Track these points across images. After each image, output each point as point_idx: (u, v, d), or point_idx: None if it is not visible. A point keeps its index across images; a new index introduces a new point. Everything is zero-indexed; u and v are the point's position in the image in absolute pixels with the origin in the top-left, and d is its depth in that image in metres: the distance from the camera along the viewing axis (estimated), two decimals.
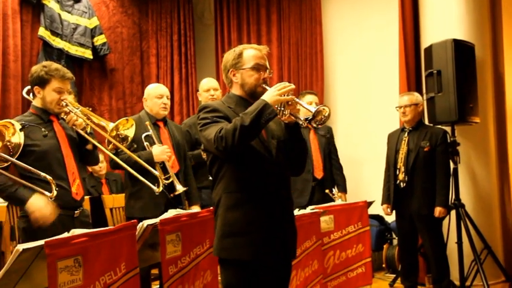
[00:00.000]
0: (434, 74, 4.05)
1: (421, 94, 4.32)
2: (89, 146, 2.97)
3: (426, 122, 4.28)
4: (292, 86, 2.03)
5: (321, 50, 5.62)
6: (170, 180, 3.40)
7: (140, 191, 3.35)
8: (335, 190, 4.44)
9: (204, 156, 3.50)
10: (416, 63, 4.84)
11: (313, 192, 4.45)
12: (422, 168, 3.99)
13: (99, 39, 5.61)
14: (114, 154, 3.06)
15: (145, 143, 3.38)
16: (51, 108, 2.79)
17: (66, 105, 2.80)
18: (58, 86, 2.77)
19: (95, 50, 5.56)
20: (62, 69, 2.80)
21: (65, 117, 2.83)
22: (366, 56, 5.53)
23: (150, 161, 3.33)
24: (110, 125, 3.08)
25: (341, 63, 5.71)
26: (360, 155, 5.53)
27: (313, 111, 1.99)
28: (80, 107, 2.89)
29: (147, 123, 3.45)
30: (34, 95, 2.81)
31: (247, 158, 2.08)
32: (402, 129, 4.23)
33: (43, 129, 2.73)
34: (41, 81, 2.75)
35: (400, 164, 4.08)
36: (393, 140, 4.23)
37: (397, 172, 4.10)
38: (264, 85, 2.16)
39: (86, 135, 2.86)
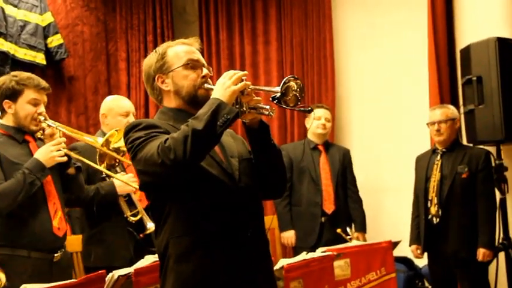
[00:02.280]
0: (474, 81, 4.03)
1: (457, 107, 4.37)
2: (71, 171, 3.05)
3: (464, 141, 4.32)
4: (244, 72, 2.01)
5: (331, 52, 5.64)
6: (138, 216, 3.43)
7: (102, 232, 3.39)
8: (350, 229, 4.51)
9: None
10: (450, 69, 4.88)
11: (322, 230, 4.51)
12: (460, 200, 4.03)
13: (54, 40, 5.56)
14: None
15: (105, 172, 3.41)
16: (26, 125, 2.87)
17: (45, 119, 2.88)
18: (33, 97, 2.84)
19: (48, 53, 5.54)
20: (35, 77, 2.87)
21: (41, 136, 2.92)
22: (387, 60, 5.57)
23: (112, 194, 3.37)
24: (99, 140, 3.21)
25: (356, 69, 5.73)
26: (381, 184, 5.54)
27: (280, 89, 1.93)
28: (58, 123, 3.00)
29: (93, 136, 3.47)
30: (3, 111, 2.89)
31: (200, 186, 2.03)
32: (434, 151, 4.27)
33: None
34: (12, 93, 2.81)
35: (432, 195, 4.11)
36: (423, 165, 4.27)
37: (429, 204, 4.13)
38: (206, 85, 2.14)
39: (73, 155, 2.99)
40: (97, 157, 3.26)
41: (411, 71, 5.37)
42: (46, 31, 5.46)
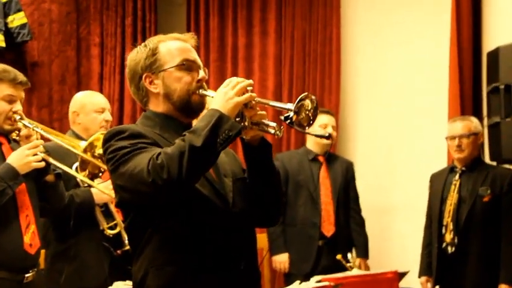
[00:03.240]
0: (501, 89, 3.99)
1: (480, 119, 4.39)
2: (49, 178, 3.08)
3: (486, 159, 4.33)
4: (249, 82, 2.02)
5: (337, 49, 5.63)
6: (117, 230, 3.46)
7: (73, 248, 3.40)
8: (351, 254, 4.46)
9: None
10: (474, 74, 4.89)
11: (320, 255, 4.52)
12: (481, 226, 4.02)
13: (16, 19, 5.48)
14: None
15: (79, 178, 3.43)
16: None
17: (21, 118, 2.90)
18: (8, 93, 2.87)
19: (8, 34, 5.47)
20: (11, 70, 2.90)
21: (17, 138, 2.96)
22: (402, 61, 5.56)
23: (89, 202, 3.40)
24: (81, 144, 3.26)
25: (365, 69, 5.72)
26: (388, 203, 5.53)
27: (293, 108, 1.95)
28: (40, 125, 3.07)
29: (75, 139, 3.50)
30: None
31: (188, 208, 2.04)
32: (451, 169, 4.28)
33: None
34: None
35: (448, 220, 4.11)
36: (438, 184, 4.29)
37: (443, 231, 4.13)
38: (201, 90, 2.16)
39: (51, 160, 3.02)
40: (78, 165, 3.27)
41: (429, 75, 5.38)
42: (6, 8, 5.39)
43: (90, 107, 3.67)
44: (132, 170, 1.93)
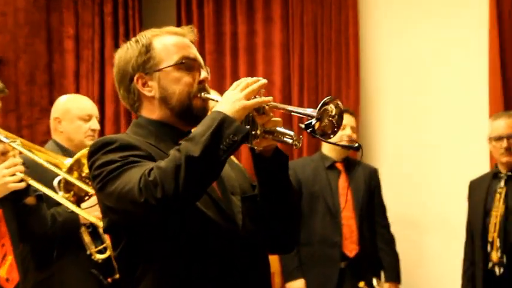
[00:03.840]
0: None
1: None
2: (30, 200, 3.13)
3: None
4: (263, 81, 2.05)
5: (354, 36, 5.59)
6: (107, 254, 3.48)
7: (56, 276, 3.41)
8: (377, 280, 4.49)
9: None
10: None
11: (342, 280, 4.46)
12: None
13: None
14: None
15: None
16: None
17: None
18: None
19: None
20: None
21: None
22: (432, 49, 5.48)
23: (73, 222, 3.41)
24: (66, 162, 3.28)
25: (389, 59, 5.67)
26: (421, 217, 5.49)
27: (315, 114, 1.96)
28: (19, 139, 3.13)
29: (60, 155, 3.48)
30: None
31: (190, 232, 2.06)
32: (495, 175, 4.27)
33: None
34: None
35: (494, 235, 4.09)
36: (480, 194, 4.27)
37: (489, 248, 4.10)
38: (204, 93, 2.18)
39: (31, 182, 3.06)
40: (61, 184, 3.30)
41: (464, 66, 5.36)
42: None
43: (74, 113, 3.70)
44: (122, 189, 1.94)
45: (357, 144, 2.07)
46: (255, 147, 2.09)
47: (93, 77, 6.10)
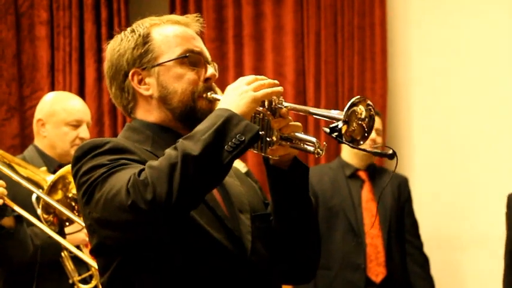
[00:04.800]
0: None
1: None
2: (7, 222, 3.19)
3: None
4: (274, 81, 2.05)
5: (382, 19, 5.63)
6: (92, 284, 3.50)
7: None
8: None
9: None
10: None
11: None
12: None
13: None
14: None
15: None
16: None
17: None
18: None
19: None
20: None
21: None
22: (475, 36, 5.51)
23: (53, 246, 3.43)
24: (48, 179, 3.29)
25: (422, 47, 5.68)
26: (458, 235, 5.50)
27: (342, 116, 1.95)
28: None
29: (43, 169, 3.51)
30: None
31: (191, 255, 2.06)
32: None
33: None
34: None
35: None
36: None
37: None
38: (210, 93, 2.20)
39: (8, 201, 3.10)
40: (37, 201, 3.32)
41: (509, 59, 5.38)
42: None
43: (60, 117, 3.75)
44: (108, 193, 1.94)
45: (391, 151, 2.03)
46: (270, 157, 2.10)
47: (71, 70, 6.10)
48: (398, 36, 5.78)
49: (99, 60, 6.11)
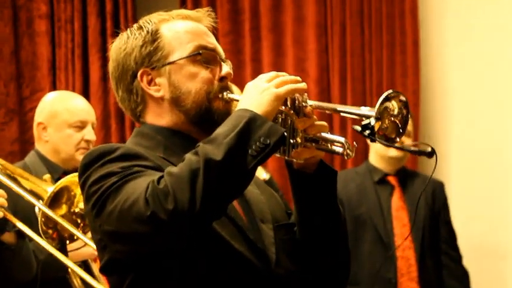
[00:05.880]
0: None
1: None
2: (8, 238, 3.22)
3: None
4: (296, 77, 2.06)
5: (412, 7, 5.63)
6: None
7: None
8: None
9: None
10: None
11: None
12: None
13: None
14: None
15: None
16: None
17: None
18: None
19: None
20: None
21: None
22: None
23: (58, 262, 3.36)
24: (50, 190, 3.29)
25: (459, 37, 5.69)
26: (502, 246, 5.50)
27: (373, 113, 1.97)
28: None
29: (46, 177, 3.49)
30: None
31: (213, 270, 2.07)
32: None
33: None
34: None
35: None
36: None
37: None
38: (227, 93, 2.21)
39: (10, 216, 3.13)
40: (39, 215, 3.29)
41: None
42: None
43: (63, 118, 3.75)
44: (124, 204, 1.94)
45: (429, 149, 2.06)
46: (294, 160, 2.11)
47: (74, 68, 6.13)
48: (432, 25, 5.77)
49: (104, 57, 6.01)
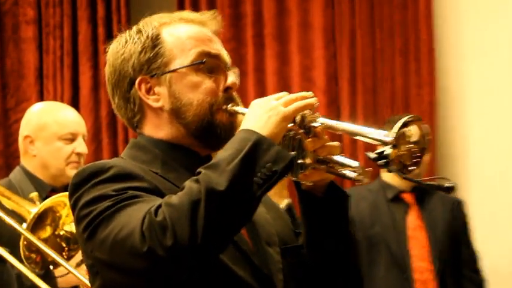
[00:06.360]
0: None
1: None
2: None
3: None
4: (308, 93, 2.05)
5: (427, 11, 5.65)
6: None
7: None
8: None
9: None
10: None
11: None
12: None
13: None
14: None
15: None
16: None
17: None
18: None
19: None
20: None
21: None
22: None
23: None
24: (33, 211, 3.32)
25: (478, 43, 5.70)
26: None
27: (389, 139, 1.92)
28: None
29: (33, 196, 3.51)
30: None
31: None
32: None
33: None
34: None
35: None
36: None
37: None
38: (231, 105, 2.20)
39: None
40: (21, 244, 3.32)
41: None
42: None
43: (52, 130, 3.74)
44: (117, 234, 1.92)
45: (449, 184, 2.05)
46: (303, 182, 2.10)
47: (63, 77, 6.14)
48: (448, 31, 5.76)
49: (96, 65, 6.20)
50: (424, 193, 4.72)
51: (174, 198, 1.91)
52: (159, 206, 1.90)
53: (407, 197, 4.70)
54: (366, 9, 5.68)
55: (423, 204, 4.69)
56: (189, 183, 1.92)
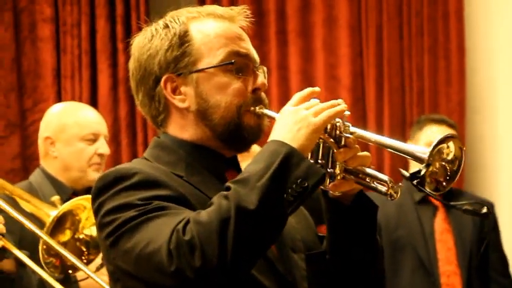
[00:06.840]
0: None
1: None
2: (7, 265, 3.24)
3: None
4: (336, 101, 2.04)
5: (458, 7, 5.65)
6: None
7: None
8: None
9: None
10: None
11: None
12: None
13: None
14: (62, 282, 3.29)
15: None
16: None
17: None
18: None
19: None
20: None
21: None
22: None
23: None
24: (52, 214, 3.32)
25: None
26: None
27: (425, 156, 1.95)
28: None
29: (55, 199, 3.51)
30: None
31: None
32: None
33: None
34: None
35: None
36: None
37: None
38: (260, 108, 2.20)
39: (6, 243, 3.15)
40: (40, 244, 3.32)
41: None
42: None
43: (73, 132, 3.78)
44: (143, 249, 1.93)
45: (485, 210, 2.05)
46: (331, 191, 2.11)
47: (81, 77, 6.17)
48: (479, 28, 5.75)
49: (114, 64, 6.21)
50: (451, 195, 4.65)
51: (203, 215, 1.91)
52: (187, 223, 1.90)
53: (435, 200, 4.62)
54: (394, 4, 5.70)
55: (451, 208, 4.59)
56: (217, 200, 1.92)
